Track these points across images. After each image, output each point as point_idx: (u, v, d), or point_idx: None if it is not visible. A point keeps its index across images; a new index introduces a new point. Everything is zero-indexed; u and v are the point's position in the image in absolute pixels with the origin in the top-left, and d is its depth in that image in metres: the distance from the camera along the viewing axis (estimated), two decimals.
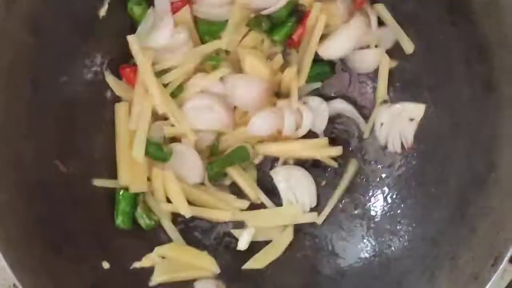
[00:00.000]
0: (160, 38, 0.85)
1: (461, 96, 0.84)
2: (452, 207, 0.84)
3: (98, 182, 0.86)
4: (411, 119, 0.90)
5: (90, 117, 0.87)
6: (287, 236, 0.91)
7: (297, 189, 0.92)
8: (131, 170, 0.86)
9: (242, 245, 0.90)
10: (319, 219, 0.91)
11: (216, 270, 0.89)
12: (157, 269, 0.87)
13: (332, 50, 0.89)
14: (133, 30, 0.86)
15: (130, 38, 0.84)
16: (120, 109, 0.87)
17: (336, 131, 0.93)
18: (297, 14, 0.88)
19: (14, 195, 0.74)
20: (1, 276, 0.69)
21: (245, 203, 0.90)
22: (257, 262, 0.90)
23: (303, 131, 0.89)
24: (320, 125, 0.91)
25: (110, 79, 0.87)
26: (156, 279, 0.87)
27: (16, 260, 0.70)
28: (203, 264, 0.89)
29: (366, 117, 0.93)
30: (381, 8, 0.88)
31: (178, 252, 0.89)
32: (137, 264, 0.86)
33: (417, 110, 0.90)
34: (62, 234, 0.80)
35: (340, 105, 0.92)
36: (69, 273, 0.79)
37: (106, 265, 0.84)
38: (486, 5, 0.77)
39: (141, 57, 0.84)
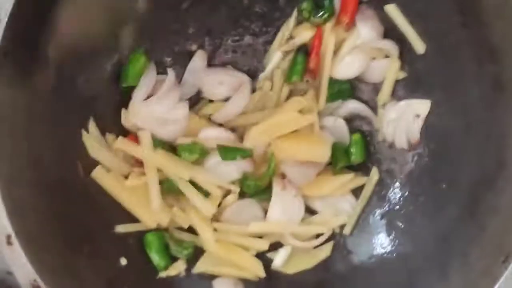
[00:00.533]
0: (160, 106, 0.87)
1: (472, 95, 0.84)
2: (463, 204, 0.84)
3: (121, 228, 0.87)
4: (417, 115, 0.91)
5: (110, 115, 0.88)
6: (325, 251, 0.92)
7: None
8: (150, 211, 0.86)
9: (278, 263, 0.91)
10: (347, 229, 0.93)
11: (262, 274, 0.90)
12: (204, 257, 0.89)
13: (345, 72, 0.91)
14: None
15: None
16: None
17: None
18: (303, 48, 0.91)
19: (35, 193, 0.75)
20: (22, 272, 0.70)
21: (265, 244, 0.90)
22: (288, 268, 0.91)
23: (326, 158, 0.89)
24: (344, 140, 0.93)
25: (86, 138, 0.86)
26: (199, 266, 0.89)
27: (36, 256, 0.71)
28: (248, 266, 0.89)
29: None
30: (392, 9, 0.88)
31: (225, 250, 0.89)
32: (163, 274, 0.88)
33: (422, 106, 0.90)
34: (81, 231, 0.81)
35: (354, 105, 0.93)
36: (87, 268, 0.80)
37: (123, 261, 0.85)
38: (496, 6, 0.77)
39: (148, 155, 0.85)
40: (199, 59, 0.92)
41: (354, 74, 0.91)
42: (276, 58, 0.92)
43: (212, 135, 0.89)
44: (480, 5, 0.79)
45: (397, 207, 0.93)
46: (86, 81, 0.85)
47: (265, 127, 0.87)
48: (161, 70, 0.91)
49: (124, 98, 0.88)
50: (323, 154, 0.88)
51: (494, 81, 0.81)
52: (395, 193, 0.93)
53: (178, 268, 0.88)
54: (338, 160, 0.91)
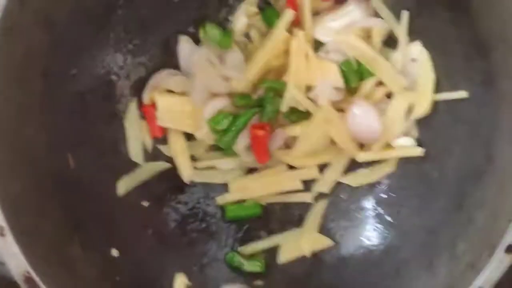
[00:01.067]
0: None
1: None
2: (451, 197, 0.85)
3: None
4: (413, 59, 0.90)
5: (102, 109, 0.89)
6: (312, 245, 0.93)
7: None
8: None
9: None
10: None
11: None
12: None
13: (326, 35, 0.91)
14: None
15: None
16: None
17: None
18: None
19: (27, 185, 0.76)
20: (15, 262, 0.70)
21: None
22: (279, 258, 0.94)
23: None
24: None
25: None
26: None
27: (29, 248, 0.72)
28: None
29: None
30: (377, 3, 0.89)
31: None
32: None
33: (416, 48, 0.90)
34: (72, 222, 0.81)
35: None
36: (79, 260, 0.80)
37: (115, 252, 0.86)
38: (485, 2, 0.77)
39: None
40: (185, 44, 0.94)
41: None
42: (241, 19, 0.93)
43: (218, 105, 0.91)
44: (468, 1, 0.79)
45: (385, 199, 0.93)
46: (77, 74, 0.85)
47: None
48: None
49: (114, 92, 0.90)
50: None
51: (482, 77, 0.81)
52: (383, 185, 0.94)
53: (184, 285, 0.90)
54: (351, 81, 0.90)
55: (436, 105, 0.89)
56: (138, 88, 0.93)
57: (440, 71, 0.88)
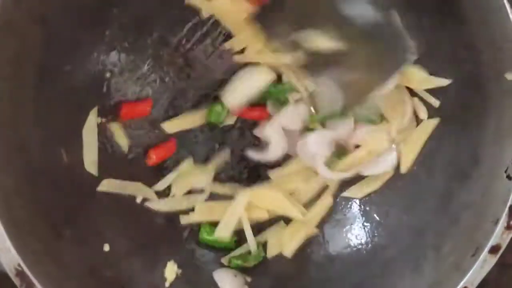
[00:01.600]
0: None
1: (448, 92, 0.86)
2: (437, 198, 0.86)
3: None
4: None
5: (95, 105, 0.89)
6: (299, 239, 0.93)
7: None
8: None
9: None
10: None
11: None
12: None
13: None
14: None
15: None
16: None
17: None
18: None
19: (19, 180, 0.76)
20: (6, 256, 0.71)
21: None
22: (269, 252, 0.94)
23: None
24: None
25: None
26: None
27: (20, 241, 0.72)
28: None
29: None
30: None
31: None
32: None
33: None
34: (64, 216, 0.82)
35: None
36: (70, 254, 0.80)
37: (107, 247, 0.86)
38: (475, 6, 0.78)
39: None
40: None
41: None
42: None
43: None
44: (459, 5, 0.80)
45: (373, 199, 0.94)
46: (71, 70, 0.85)
47: None
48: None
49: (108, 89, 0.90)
50: None
51: (470, 79, 0.82)
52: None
53: (174, 272, 0.90)
54: None
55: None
56: None
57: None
